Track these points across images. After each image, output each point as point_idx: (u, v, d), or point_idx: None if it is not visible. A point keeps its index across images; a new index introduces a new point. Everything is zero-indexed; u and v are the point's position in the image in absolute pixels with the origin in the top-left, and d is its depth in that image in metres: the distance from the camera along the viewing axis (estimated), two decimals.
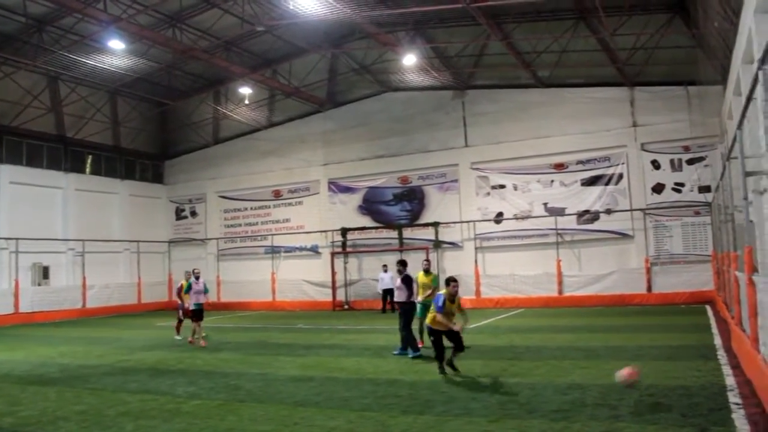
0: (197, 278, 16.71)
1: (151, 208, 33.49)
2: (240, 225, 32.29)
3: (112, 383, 10.88)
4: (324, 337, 17.28)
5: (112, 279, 30.48)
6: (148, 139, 33.66)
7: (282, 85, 27.96)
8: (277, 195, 31.40)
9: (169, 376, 11.40)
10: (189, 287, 16.66)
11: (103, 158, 31.45)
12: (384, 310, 24.99)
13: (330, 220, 29.58)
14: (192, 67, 27.61)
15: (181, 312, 17.87)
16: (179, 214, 34.17)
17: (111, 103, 30.93)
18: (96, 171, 31.14)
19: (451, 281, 10.86)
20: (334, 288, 28.38)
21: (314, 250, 30.09)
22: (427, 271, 14.36)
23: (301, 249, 30.39)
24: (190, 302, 16.53)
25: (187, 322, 17.26)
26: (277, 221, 31.24)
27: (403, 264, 13.93)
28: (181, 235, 33.93)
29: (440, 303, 10.52)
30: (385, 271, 25.61)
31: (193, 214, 33.77)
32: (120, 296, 30.38)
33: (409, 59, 23.97)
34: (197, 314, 16.28)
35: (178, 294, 18.10)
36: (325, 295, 28.75)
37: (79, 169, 30.28)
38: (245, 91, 28.67)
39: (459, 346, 10.55)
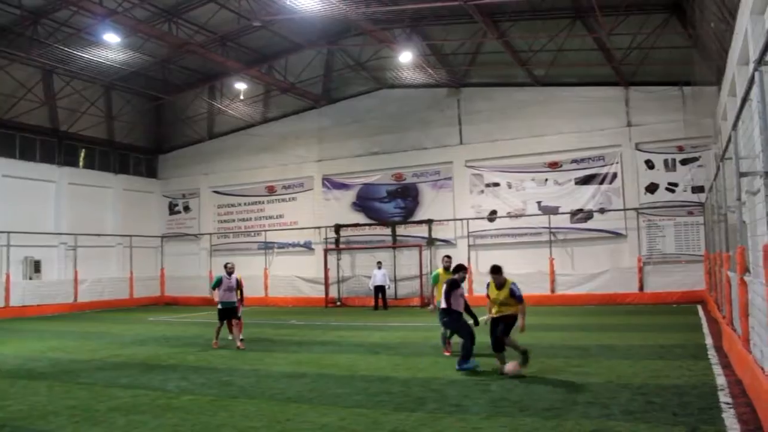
0: (230, 273, 14.92)
1: (144, 203, 33.41)
2: (233, 221, 32.26)
3: (103, 378, 10.84)
4: (316, 333, 17.27)
5: (104, 273, 30.38)
6: (142, 134, 33.55)
7: (277, 81, 27.90)
8: (271, 191, 31.37)
9: (160, 372, 11.36)
10: (218, 282, 14.85)
11: (97, 152, 31.35)
12: (376, 307, 25.10)
13: (323, 217, 29.57)
14: (187, 61, 27.53)
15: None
16: (172, 209, 34.10)
17: (105, 97, 30.83)
18: (89, 165, 31.02)
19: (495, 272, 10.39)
20: (326, 284, 28.39)
21: (307, 247, 30.08)
22: (447, 269, 13.11)
23: (294, 245, 30.37)
24: (217, 299, 14.82)
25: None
26: (271, 217, 31.21)
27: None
28: (174, 230, 33.87)
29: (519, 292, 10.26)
30: (379, 267, 25.73)
31: (187, 209, 33.70)
32: (112, 291, 30.24)
33: (405, 56, 23.95)
34: (225, 313, 14.79)
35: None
36: (317, 292, 28.75)
37: (73, 162, 30.16)
38: (240, 86, 28.58)
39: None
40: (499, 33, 22.17)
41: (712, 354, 11.29)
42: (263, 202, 31.52)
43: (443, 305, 11.04)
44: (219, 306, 14.78)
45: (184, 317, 23.88)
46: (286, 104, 30.40)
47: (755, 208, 9.46)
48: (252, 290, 29.63)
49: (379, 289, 25.47)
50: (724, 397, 7.87)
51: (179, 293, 31.87)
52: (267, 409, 8.22)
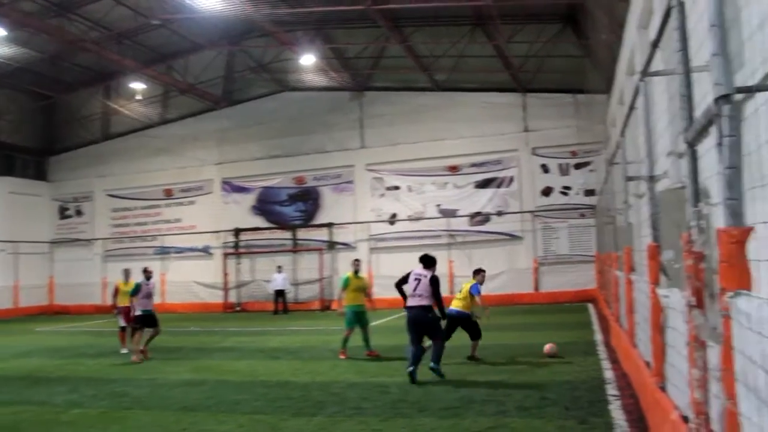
0: (148, 279, 13.89)
1: (31, 207, 31.55)
2: (129, 225, 31.06)
3: None
4: (216, 339, 16.89)
5: None
6: (31, 134, 31.72)
7: (176, 81, 27.11)
8: (169, 194, 30.43)
9: (47, 385, 10.77)
10: (137, 289, 13.63)
11: None
12: (276, 312, 24.84)
13: (223, 221, 28.97)
14: (81, 59, 26.26)
15: (122, 318, 14.62)
16: (63, 213, 32.48)
17: None
18: None
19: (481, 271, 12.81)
20: (226, 289, 27.87)
21: (206, 251, 29.35)
22: (357, 273, 13.34)
23: (192, 250, 29.57)
24: (135, 307, 13.48)
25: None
26: (168, 221, 30.24)
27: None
28: (65, 235, 32.27)
29: (478, 289, 12.29)
30: (279, 271, 25.52)
31: (79, 213, 32.20)
32: None
33: (308, 59, 23.81)
34: (147, 321, 13.53)
35: (114, 297, 14.93)
36: (216, 297, 28.16)
37: None
38: (137, 86, 27.54)
39: (477, 334, 11.94)
40: (401, 38, 22.42)
41: (601, 350, 11.83)
42: (160, 206, 30.51)
43: (426, 302, 9.85)
44: (138, 312, 13.58)
45: (76, 326, 22.81)
46: (186, 105, 29.58)
47: (640, 211, 9.95)
48: None
49: (279, 294, 25.24)
50: (611, 390, 8.26)
51: (70, 301, 30.41)
52: (162, 419, 7.95)
